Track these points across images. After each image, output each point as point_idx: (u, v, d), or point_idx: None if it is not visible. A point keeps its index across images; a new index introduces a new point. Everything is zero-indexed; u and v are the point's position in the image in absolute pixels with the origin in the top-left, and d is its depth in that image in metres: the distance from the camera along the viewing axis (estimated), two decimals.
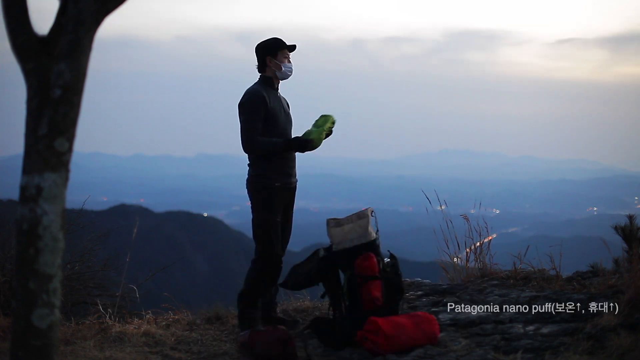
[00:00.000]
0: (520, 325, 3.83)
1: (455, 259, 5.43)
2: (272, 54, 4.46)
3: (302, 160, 4.65)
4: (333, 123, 4.47)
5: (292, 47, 4.51)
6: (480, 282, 4.89)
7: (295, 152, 4.47)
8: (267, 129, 4.38)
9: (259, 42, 4.55)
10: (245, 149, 4.36)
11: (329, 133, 4.47)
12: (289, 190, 4.48)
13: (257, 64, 4.53)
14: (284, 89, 4.63)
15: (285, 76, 4.50)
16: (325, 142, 4.47)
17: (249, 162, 4.48)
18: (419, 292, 4.90)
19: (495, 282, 4.84)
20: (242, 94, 4.46)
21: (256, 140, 4.32)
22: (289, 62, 4.50)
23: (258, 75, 4.54)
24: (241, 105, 4.38)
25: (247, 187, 4.47)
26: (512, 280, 4.81)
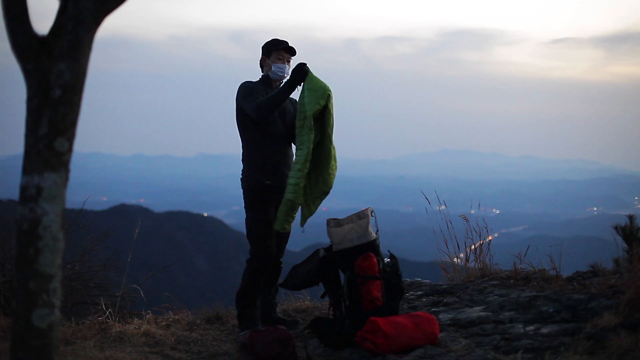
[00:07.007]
0: (520, 325, 3.82)
1: (455, 259, 5.43)
2: (267, 54, 4.54)
3: None
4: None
5: (289, 50, 4.52)
6: (480, 282, 4.89)
7: (297, 81, 4.28)
8: (265, 127, 4.40)
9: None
10: (257, 116, 4.30)
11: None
12: (281, 189, 4.39)
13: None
14: None
15: (276, 76, 4.51)
16: None
17: (242, 159, 4.51)
18: (419, 292, 4.90)
19: (495, 282, 4.83)
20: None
21: (259, 102, 4.28)
22: (284, 63, 4.51)
23: (259, 74, 4.62)
24: (237, 96, 4.44)
25: (241, 186, 4.50)
26: (512, 280, 4.80)
